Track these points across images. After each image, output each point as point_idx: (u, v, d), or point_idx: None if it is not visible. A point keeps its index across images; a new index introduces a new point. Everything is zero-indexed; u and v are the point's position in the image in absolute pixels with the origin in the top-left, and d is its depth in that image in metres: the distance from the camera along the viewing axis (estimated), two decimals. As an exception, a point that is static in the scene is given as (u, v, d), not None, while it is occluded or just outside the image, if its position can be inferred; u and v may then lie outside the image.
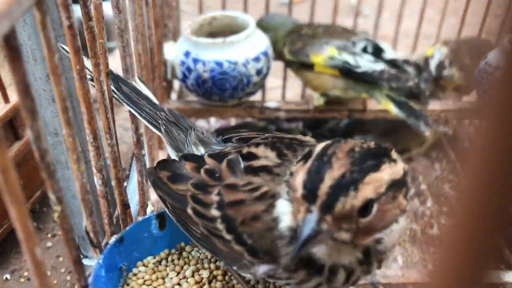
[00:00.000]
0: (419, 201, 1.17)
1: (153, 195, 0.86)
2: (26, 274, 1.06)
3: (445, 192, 1.19)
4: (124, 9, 0.66)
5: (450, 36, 1.32)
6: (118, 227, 0.63)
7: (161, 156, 0.96)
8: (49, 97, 0.79)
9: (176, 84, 1.16)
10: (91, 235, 0.53)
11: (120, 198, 0.62)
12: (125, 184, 0.67)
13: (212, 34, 1.01)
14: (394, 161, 0.44)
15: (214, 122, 1.41)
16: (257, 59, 0.94)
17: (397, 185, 0.43)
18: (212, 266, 0.60)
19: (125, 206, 0.63)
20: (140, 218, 0.59)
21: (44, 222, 1.18)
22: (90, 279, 0.51)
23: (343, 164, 0.42)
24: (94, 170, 0.54)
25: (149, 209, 0.78)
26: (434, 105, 1.05)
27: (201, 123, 1.39)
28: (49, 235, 1.15)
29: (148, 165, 0.86)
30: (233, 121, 1.35)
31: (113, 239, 0.55)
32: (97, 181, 0.54)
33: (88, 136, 0.51)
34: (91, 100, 0.50)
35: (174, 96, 1.09)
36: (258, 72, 0.95)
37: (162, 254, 0.60)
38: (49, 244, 1.13)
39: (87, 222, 0.52)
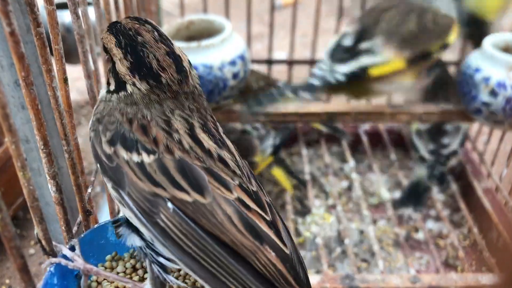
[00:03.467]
0: (404, 205, 1.15)
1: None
2: (7, 281, 1.06)
3: (431, 196, 1.17)
4: (87, 14, 0.66)
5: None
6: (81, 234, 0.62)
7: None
8: (18, 104, 0.79)
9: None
10: (43, 242, 0.52)
11: (80, 204, 0.61)
12: (89, 190, 0.67)
13: (190, 38, 1.01)
14: None
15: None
16: (233, 63, 0.94)
17: None
18: (176, 273, 0.60)
19: (87, 212, 0.62)
20: (95, 225, 0.59)
21: (27, 229, 1.18)
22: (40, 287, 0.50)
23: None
24: (47, 177, 0.53)
25: (121, 215, 0.77)
26: (416, 108, 1.04)
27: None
28: (32, 242, 1.15)
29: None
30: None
31: (67, 246, 0.54)
32: (51, 188, 0.54)
33: (38, 143, 0.51)
34: (39, 107, 0.49)
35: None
36: (235, 76, 0.95)
37: (125, 258, 0.60)
38: (31, 251, 1.13)
39: (38, 229, 0.51)
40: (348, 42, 0.99)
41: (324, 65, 0.98)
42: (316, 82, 0.96)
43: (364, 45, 0.97)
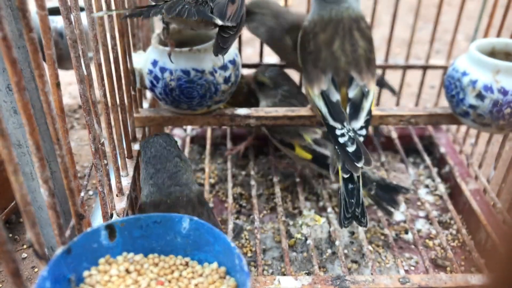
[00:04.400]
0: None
1: (118, 205, 0.87)
2: (0, 286, 1.06)
3: (421, 197, 1.18)
4: (79, 19, 0.67)
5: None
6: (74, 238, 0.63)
7: (129, 165, 0.97)
8: (10, 108, 0.79)
9: (149, 93, 1.16)
10: (36, 246, 0.53)
11: (73, 208, 0.62)
12: (82, 194, 0.67)
13: (182, 43, 1.02)
14: None
15: (189, 130, 1.41)
16: (224, 68, 0.95)
17: None
18: (169, 276, 0.60)
19: (80, 216, 0.63)
20: (88, 229, 0.59)
21: (20, 233, 1.17)
22: (33, 291, 0.51)
23: None
24: (40, 182, 0.54)
25: (115, 219, 0.78)
26: (403, 110, 1.05)
27: (177, 131, 1.40)
28: (25, 246, 1.15)
29: (112, 176, 0.86)
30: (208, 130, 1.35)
31: (59, 250, 0.55)
32: (43, 192, 0.54)
33: (31, 148, 0.51)
34: (31, 112, 0.50)
35: (145, 104, 1.09)
36: (226, 80, 0.96)
37: (119, 261, 0.60)
38: (24, 255, 1.13)
39: (30, 233, 0.52)
40: (335, 96, 0.95)
41: (343, 130, 0.93)
42: (352, 148, 0.91)
43: (352, 92, 0.95)
